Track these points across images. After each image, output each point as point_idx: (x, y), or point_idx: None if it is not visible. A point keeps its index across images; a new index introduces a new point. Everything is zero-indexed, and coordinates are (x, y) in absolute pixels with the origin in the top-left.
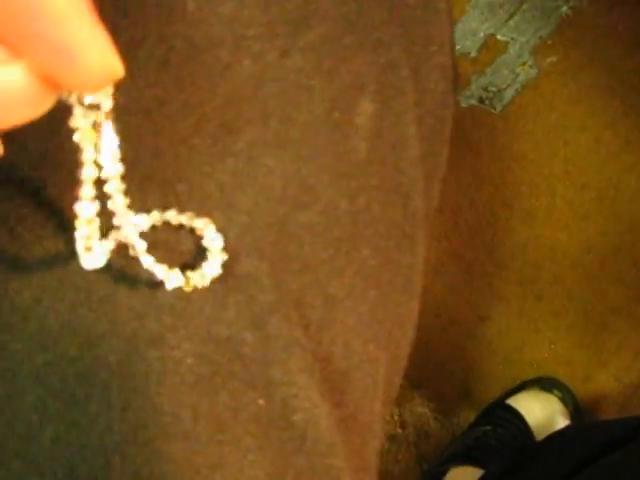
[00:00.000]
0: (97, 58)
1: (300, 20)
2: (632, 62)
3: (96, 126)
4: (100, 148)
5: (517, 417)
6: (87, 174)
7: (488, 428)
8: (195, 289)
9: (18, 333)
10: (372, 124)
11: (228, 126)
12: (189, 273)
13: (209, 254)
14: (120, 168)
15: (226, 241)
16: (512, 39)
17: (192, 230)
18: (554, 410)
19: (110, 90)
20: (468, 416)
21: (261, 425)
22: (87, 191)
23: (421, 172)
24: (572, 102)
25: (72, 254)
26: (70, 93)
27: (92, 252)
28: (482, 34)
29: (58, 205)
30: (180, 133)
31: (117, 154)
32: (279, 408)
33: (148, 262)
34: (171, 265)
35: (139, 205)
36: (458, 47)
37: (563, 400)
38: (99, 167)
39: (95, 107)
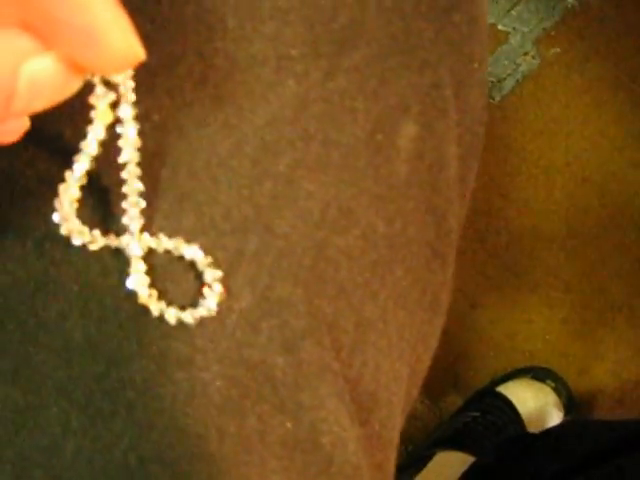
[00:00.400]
0: (120, 41)
1: (345, 40)
2: None
3: (114, 106)
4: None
5: (508, 405)
6: (88, 149)
7: (477, 414)
8: (228, 312)
9: (43, 347)
10: (414, 146)
11: (268, 148)
12: (178, 312)
13: (207, 292)
14: (136, 155)
15: (261, 265)
16: (514, 29)
17: (192, 264)
18: (547, 400)
19: (131, 72)
20: (456, 401)
21: (287, 447)
22: (82, 165)
23: (457, 192)
24: (576, 94)
25: (102, 272)
26: (94, 75)
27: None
28: None
29: (92, 220)
30: (218, 154)
31: (136, 141)
32: (307, 431)
33: (134, 280)
34: (165, 295)
35: (174, 226)
36: None
37: (557, 391)
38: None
39: (115, 88)
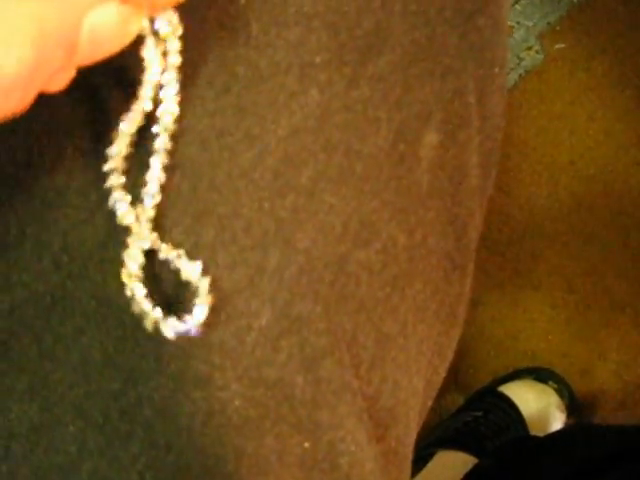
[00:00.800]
0: None
1: (369, 46)
2: None
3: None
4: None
5: (510, 406)
6: (145, 92)
7: (479, 414)
8: (248, 330)
9: (60, 363)
10: (435, 155)
11: (290, 159)
12: (167, 320)
13: (196, 304)
14: (176, 109)
15: (282, 281)
16: (517, 23)
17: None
18: (550, 402)
19: (177, 19)
20: (456, 399)
21: (305, 467)
22: (140, 106)
23: (478, 202)
24: (581, 91)
25: (120, 288)
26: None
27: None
28: None
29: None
30: (240, 166)
31: (176, 88)
32: (325, 451)
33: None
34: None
35: (193, 240)
36: None
37: (559, 392)
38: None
39: (164, 40)
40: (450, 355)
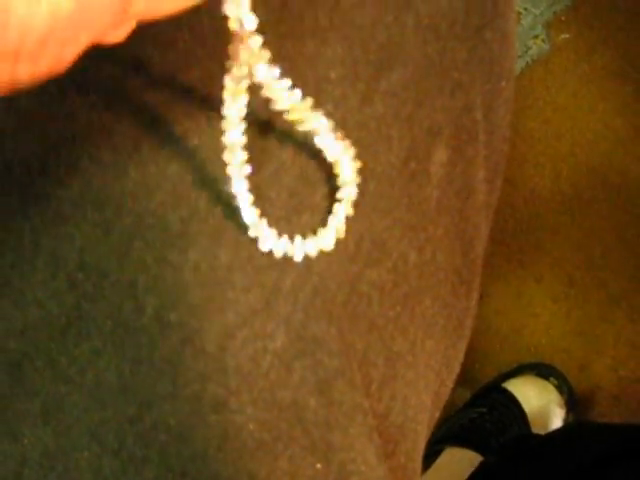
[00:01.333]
0: None
1: (383, 60)
2: None
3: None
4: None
5: (513, 402)
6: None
7: (484, 410)
8: (263, 353)
9: (75, 387)
10: (444, 172)
11: (305, 178)
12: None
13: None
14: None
15: (296, 303)
16: (525, 10)
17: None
18: (550, 398)
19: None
20: (463, 394)
21: None
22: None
23: (484, 216)
24: (583, 83)
25: (136, 308)
26: None
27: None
28: None
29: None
30: (256, 184)
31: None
32: (336, 472)
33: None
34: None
35: (210, 260)
36: None
37: (559, 389)
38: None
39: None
40: (457, 367)
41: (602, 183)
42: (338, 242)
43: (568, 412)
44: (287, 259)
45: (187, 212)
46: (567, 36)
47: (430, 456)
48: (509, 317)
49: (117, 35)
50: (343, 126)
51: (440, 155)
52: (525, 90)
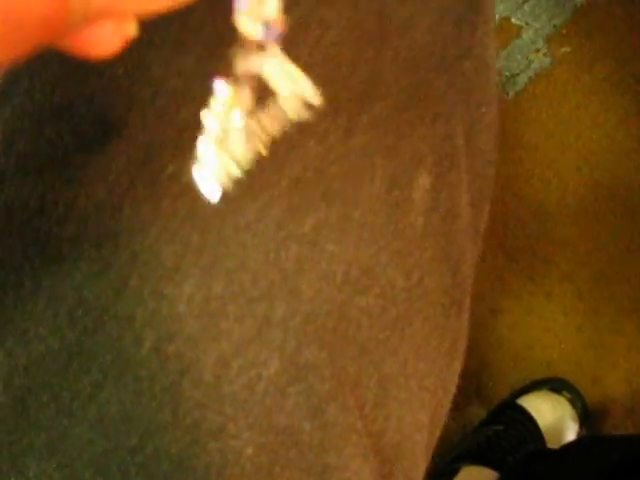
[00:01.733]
0: None
1: (364, 94)
2: None
3: None
4: None
5: (528, 418)
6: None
7: (500, 428)
8: (258, 379)
9: (78, 419)
10: (428, 198)
11: (293, 210)
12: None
13: None
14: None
15: (288, 331)
16: (527, 24)
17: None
18: (564, 412)
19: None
20: (479, 412)
21: None
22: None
23: (470, 238)
24: (585, 94)
25: (135, 341)
26: None
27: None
28: (497, 16)
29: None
30: (245, 218)
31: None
32: None
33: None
34: None
35: (204, 292)
36: None
37: (572, 402)
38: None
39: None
40: (453, 388)
41: (608, 195)
42: (326, 271)
43: (582, 426)
44: (277, 289)
45: (180, 247)
46: (568, 49)
47: (447, 474)
48: (521, 333)
49: (103, 45)
50: (326, 160)
51: (423, 182)
52: (529, 104)
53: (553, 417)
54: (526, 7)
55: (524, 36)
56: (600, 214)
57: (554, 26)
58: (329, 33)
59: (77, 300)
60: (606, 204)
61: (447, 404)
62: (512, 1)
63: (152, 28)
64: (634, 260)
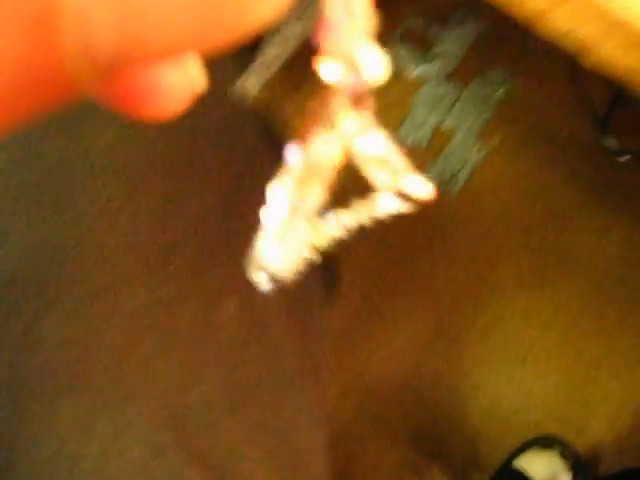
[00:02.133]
0: None
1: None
2: (569, 128)
3: None
4: None
5: (525, 479)
6: None
7: None
8: None
9: None
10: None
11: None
12: None
13: None
14: None
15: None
16: (457, 126)
17: None
18: (557, 466)
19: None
20: (481, 478)
21: None
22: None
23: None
24: (522, 175)
25: (129, 425)
26: None
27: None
28: (430, 125)
29: None
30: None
31: None
32: None
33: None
34: None
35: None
36: (410, 141)
37: (563, 454)
38: None
39: None
40: None
41: (556, 262)
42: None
43: (575, 475)
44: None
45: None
46: (498, 139)
47: None
48: (506, 401)
49: (156, 100)
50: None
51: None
52: (472, 195)
53: (547, 472)
54: (454, 110)
55: (458, 137)
56: (559, 277)
57: (483, 121)
58: None
59: (55, 449)
60: (563, 267)
61: None
62: (441, 108)
63: None
64: (594, 317)
